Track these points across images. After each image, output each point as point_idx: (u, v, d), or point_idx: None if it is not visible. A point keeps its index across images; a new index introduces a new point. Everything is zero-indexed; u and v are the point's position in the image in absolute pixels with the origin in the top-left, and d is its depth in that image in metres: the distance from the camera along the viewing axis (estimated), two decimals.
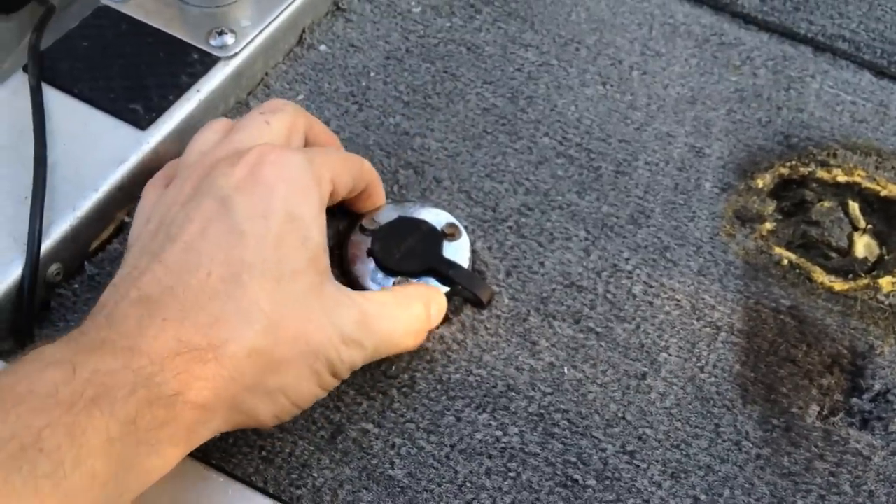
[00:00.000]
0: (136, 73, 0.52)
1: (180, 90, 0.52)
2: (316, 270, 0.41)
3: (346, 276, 0.48)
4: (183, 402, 0.36)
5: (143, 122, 0.50)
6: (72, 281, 0.48)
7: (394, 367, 0.46)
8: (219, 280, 0.38)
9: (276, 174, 0.41)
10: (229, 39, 0.54)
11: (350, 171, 0.46)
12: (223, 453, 0.43)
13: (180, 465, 0.39)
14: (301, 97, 0.56)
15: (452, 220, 0.50)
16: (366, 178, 0.48)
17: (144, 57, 0.53)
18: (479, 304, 0.48)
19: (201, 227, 0.39)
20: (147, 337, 0.36)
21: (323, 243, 0.42)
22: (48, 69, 0.52)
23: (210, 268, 0.38)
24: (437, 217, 0.50)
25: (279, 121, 0.45)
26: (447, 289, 0.47)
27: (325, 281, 0.41)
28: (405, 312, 0.45)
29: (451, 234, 0.49)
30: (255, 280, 0.39)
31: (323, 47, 0.58)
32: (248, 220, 0.40)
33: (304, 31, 0.59)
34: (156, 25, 0.55)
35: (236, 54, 0.54)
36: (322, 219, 0.42)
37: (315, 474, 0.43)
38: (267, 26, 0.56)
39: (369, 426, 0.44)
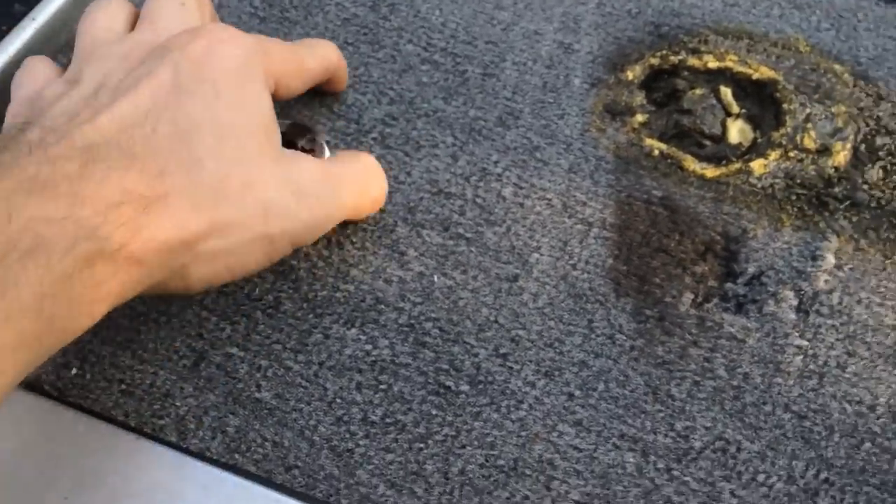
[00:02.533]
0: None
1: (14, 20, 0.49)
2: (267, 135, 0.41)
3: None
4: (124, 258, 0.35)
5: None
6: None
7: (257, 290, 0.45)
8: (164, 136, 0.37)
9: (231, 52, 0.40)
10: None
11: (298, 69, 0.46)
12: (80, 389, 0.42)
13: (35, 406, 0.37)
14: None
15: (312, 135, 0.48)
16: (323, 66, 0.48)
17: None
18: None
19: (152, 92, 0.38)
20: (91, 182, 0.34)
21: (274, 118, 0.42)
22: None
23: (156, 125, 0.37)
24: (297, 133, 0.48)
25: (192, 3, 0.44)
26: None
27: (278, 146, 0.41)
28: (371, 177, 0.46)
29: (310, 150, 0.47)
30: (202, 137, 0.38)
31: None
32: (199, 83, 0.39)
33: None
34: None
35: None
36: (270, 99, 0.42)
37: (178, 403, 0.42)
38: None
39: (234, 350, 0.43)
